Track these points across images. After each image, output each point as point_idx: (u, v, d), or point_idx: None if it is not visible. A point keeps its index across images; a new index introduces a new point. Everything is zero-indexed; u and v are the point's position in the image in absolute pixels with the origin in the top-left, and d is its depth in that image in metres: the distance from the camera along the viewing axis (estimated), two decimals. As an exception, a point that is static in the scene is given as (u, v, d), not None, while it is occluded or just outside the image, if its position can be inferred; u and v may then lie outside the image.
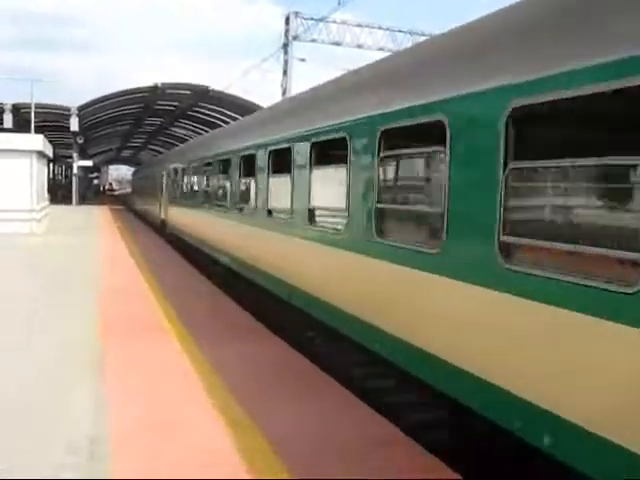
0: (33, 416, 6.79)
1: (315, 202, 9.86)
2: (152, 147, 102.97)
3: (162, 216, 30.27)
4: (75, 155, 62.95)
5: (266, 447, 6.15)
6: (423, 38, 36.81)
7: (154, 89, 53.73)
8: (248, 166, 13.83)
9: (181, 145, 48.23)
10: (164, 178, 29.73)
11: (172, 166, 26.99)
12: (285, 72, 39.41)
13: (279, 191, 11.64)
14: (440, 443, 7.05)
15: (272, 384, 8.13)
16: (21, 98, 54.61)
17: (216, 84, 53.82)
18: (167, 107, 64.52)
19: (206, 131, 60.74)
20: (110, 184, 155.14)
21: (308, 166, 9.91)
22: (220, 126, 53.04)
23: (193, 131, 72.62)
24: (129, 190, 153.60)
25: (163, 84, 52.95)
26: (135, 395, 7.61)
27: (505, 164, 5.30)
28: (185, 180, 23.77)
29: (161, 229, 30.98)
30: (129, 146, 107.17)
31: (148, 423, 6.72)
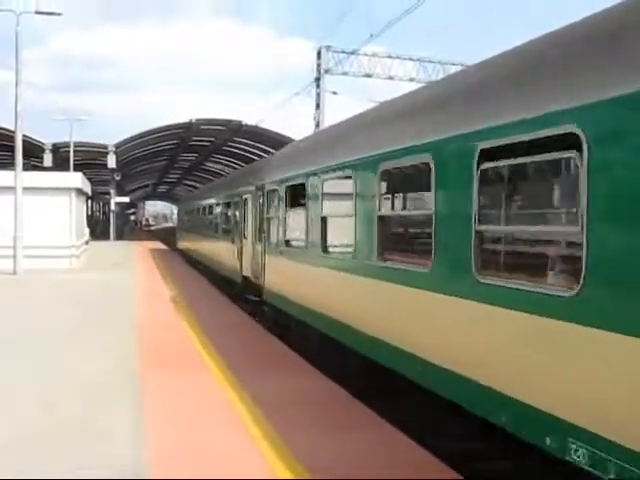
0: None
1: None
2: (187, 182, 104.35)
3: (246, 272, 18.15)
4: (112, 191, 64.06)
5: (304, 475, 6.12)
6: (454, 68, 36.89)
7: (188, 125, 54.61)
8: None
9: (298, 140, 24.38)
10: (248, 206, 18.39)
11: (270, 185, 15.34)
12: (318, 105, 39.73)
13: None
14: (480, 472, 6.92)
15: (310, 414, 8.07)
16: (58, 137, 55.94)
17: (249, 119, 54.55)
18: (202, 143, 65.50)
19: (241, 165, 61.44)
20: (147, 220, 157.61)
21: None
22: (255, 160, 53.47)
23: (228, 166, 73.51)
24: (165, 225, 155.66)
25: (197, 120, 53.78)
26: (175, 423, 7.61)
27: None
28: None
29: (240, 291, 19.09)
30: (165, 182, 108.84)
31: (188, 451, 6.72)
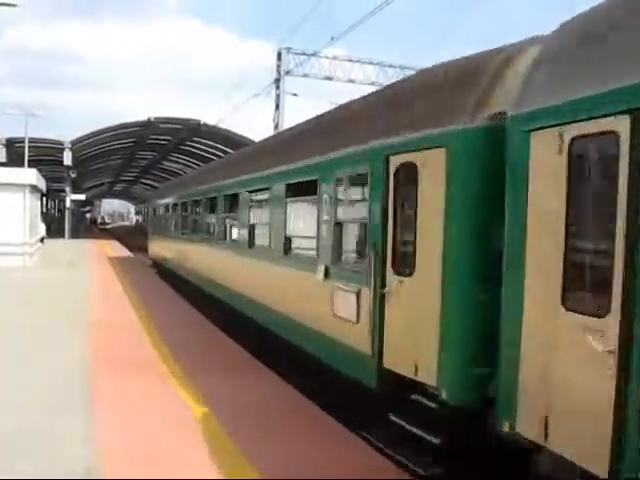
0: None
1: None
2: (144, 181, 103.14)
3: (407, 369, 7.21)
4: (68, 189, 63.00)
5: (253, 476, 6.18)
6: (413, 72, 37.20)
7: (147, 123, 54.01)
8: None
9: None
10: (430, 183, 6.97)
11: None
12: (277, 106, 39.77)
13: None
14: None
15: (266, 418, 8.13)
16: (13, 132, 54.80)
17: (209, 119, 54.24)
18: (160, 141, 64.84)
19: (199, 165, 60.96)
20: (102, 218, 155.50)
21: None
22: (213, 160, 53.13)
23: (186, 165, 72.90)
24: (122, 223, 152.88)
25: (156, 118, 53.25)
26: (126, 427, 7.61)
27: None
28: None
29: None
30: (122, 180, 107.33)
31: (139, 456, 6.74)
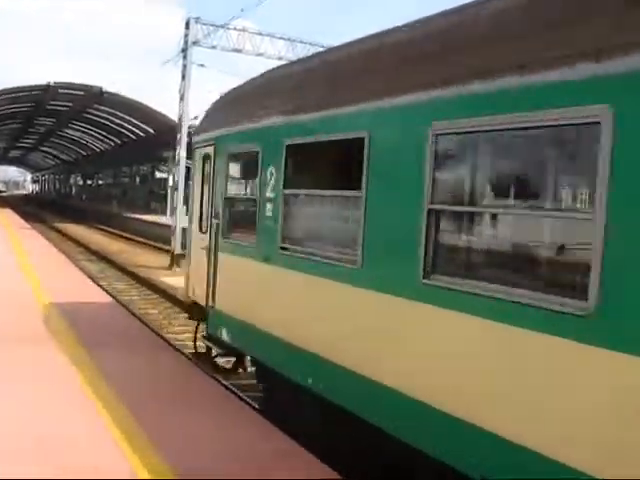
0: None
1: None
2: (44, 149, 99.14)
3: None
4: (-42, 154, 59.83)
5: (156, 458, 6.04)
6: (321, 49, 37.14)
7: (46, 88, 51.84)
8: None
9: None
10: None
11: None
12: (183, 77, 38.88)
13: None
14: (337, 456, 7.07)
15: (167, 395, 7.98)
16: None
17: (122, 87, 52.43)
18: (60, 107, 62.35)
19: (102, 134, 59.05)
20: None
21: None
22: (118, 131, 51.65)
23: (89, 134, 70.48)
24: (17, 192, 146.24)
25: (55, 83, 51.15)
26: (20, 402, 7.32)
27: None
28: None
29: None
30: (18, 146, 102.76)
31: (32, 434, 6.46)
